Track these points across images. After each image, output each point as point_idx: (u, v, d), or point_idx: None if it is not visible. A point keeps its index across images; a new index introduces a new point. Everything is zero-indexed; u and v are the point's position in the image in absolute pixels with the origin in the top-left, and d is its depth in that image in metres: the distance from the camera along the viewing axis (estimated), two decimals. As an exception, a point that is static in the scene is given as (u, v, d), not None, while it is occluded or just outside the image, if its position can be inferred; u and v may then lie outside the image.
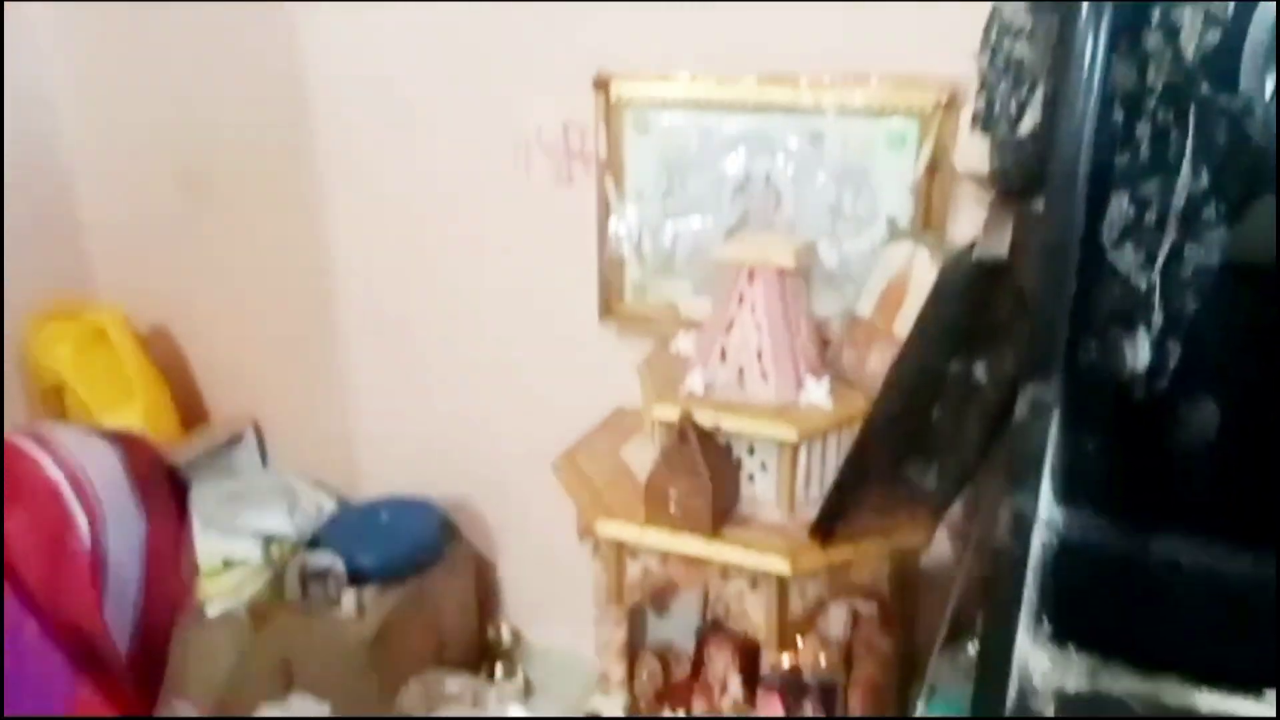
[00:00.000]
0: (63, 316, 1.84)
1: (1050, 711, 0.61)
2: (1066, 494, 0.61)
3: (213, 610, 1.68)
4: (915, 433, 1.28)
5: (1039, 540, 0.60)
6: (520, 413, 1.76)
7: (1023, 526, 0.57)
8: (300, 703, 1.67)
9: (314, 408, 1.94)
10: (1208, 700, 0.58)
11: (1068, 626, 0.61)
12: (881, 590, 1.32)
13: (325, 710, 1.67)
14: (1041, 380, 0.59)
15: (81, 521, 0.84)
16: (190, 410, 1.99)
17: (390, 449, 1.92)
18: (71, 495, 0.85)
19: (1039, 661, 0.62)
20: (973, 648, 1.42)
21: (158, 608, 0.91)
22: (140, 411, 1.81)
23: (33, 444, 0.87)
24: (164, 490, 0.94)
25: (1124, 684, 0.60)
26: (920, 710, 1.41)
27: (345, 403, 1.92)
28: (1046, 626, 0.62)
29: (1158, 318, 0.62)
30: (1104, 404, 0.62)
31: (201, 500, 1.77)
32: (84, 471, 0.86)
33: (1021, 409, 0.58)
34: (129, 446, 0.93)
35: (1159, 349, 0.62)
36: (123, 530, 0.88)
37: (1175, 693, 0.60)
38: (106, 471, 0.89)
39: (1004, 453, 0.85)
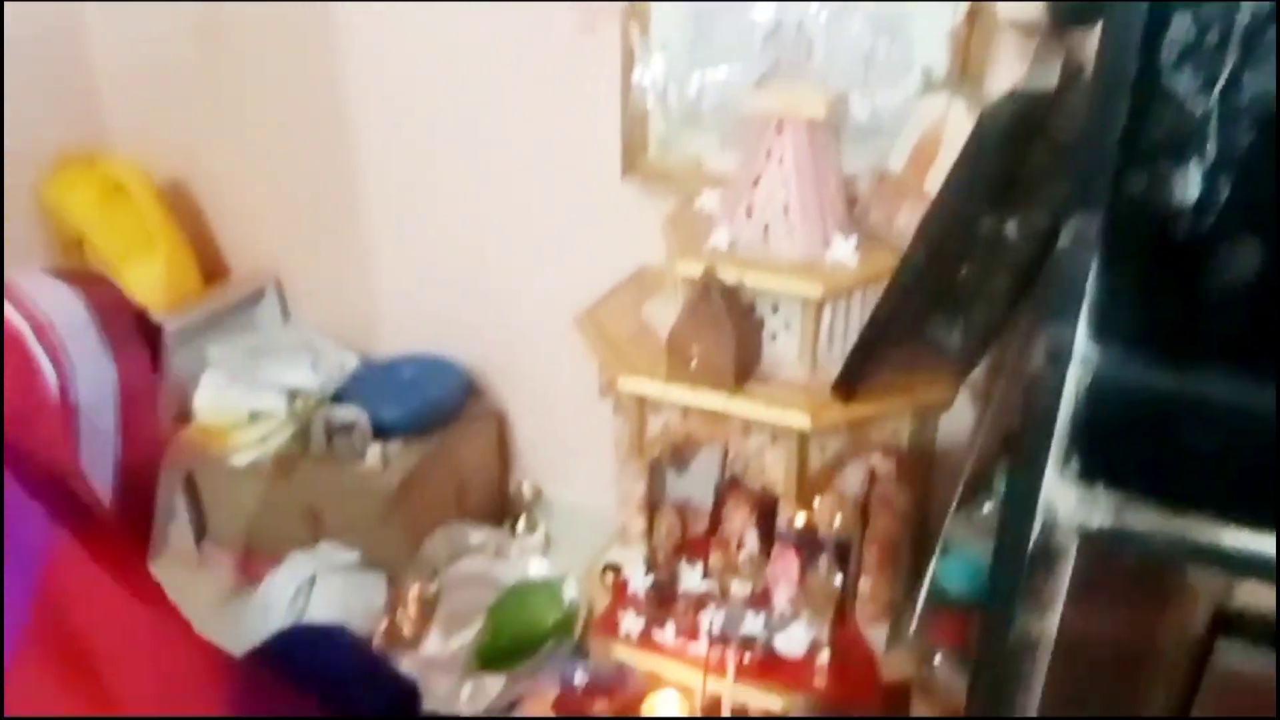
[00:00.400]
0: (79, 168, 1.82)
1: (1073, 548, 0.61)
2: (1101, 331, 0.59)
3: (240, 460, 1.72)
4: (942, 290, 1.27)
5: (1072, 376, 0.59)
6: (542, 271, 1.75)
7: (1059, 356, 0.56)
8: (328, 550, 1.72)
9: (335, 265, 1.94)
10: (1233, 537, 0.58)
11: (1096, 464, 0.61)
12: (901, 448, 1.33)
13: (354, 558, 1.73)
14: (1087, 211, 0.57)
15: (48, 370, 0.81)
16: (211, 266, 1.99)
17: (411, 307, 1.92)
18: (35, 343, 0.81)
19: (1065, 499, 0.62)
20: (989, 506, 1.44)
21: (138, 456, 0.88)
22: (161, 265, 1.81)
23: None
24: (134, 335, 0.89)
25: (1149, 521, 0.60)
26: (934, 566, 1.44)
27: (366, 260, 1.91)
28: (1075, 464, 0.61)
29: (1210, 149, 0.59)
30: (1146, 239, 0.60)
31: (225, 354, 1.80)
32: (47, 318, 0.83)
33: (1064, 240, 0.56)
34: (93, 290, 0.88)
35: (1209, 182, 0.59)
36: (92, 377, 0.84)
37: (1201, 530, 0.59)
38: (71, 317, 0.85)
39: (1041, 289, 0.83)
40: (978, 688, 0.75)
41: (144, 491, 0.90)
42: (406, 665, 1.54)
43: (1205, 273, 0.60)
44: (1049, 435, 0.57)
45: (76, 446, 0.83)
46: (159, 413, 0.90)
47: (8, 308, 0.81)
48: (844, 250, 1.26)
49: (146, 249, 1.80)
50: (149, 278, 1.81)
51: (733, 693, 1.35)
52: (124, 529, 0.86)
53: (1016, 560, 0.64)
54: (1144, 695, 0.62)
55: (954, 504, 1.44)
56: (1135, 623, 0.61)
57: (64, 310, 0.84)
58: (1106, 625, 0.62)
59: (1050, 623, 0.64)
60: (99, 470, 0.85)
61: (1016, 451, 0.61)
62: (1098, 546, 0.60)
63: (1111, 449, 0.60)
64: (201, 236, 1.99)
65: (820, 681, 1.44)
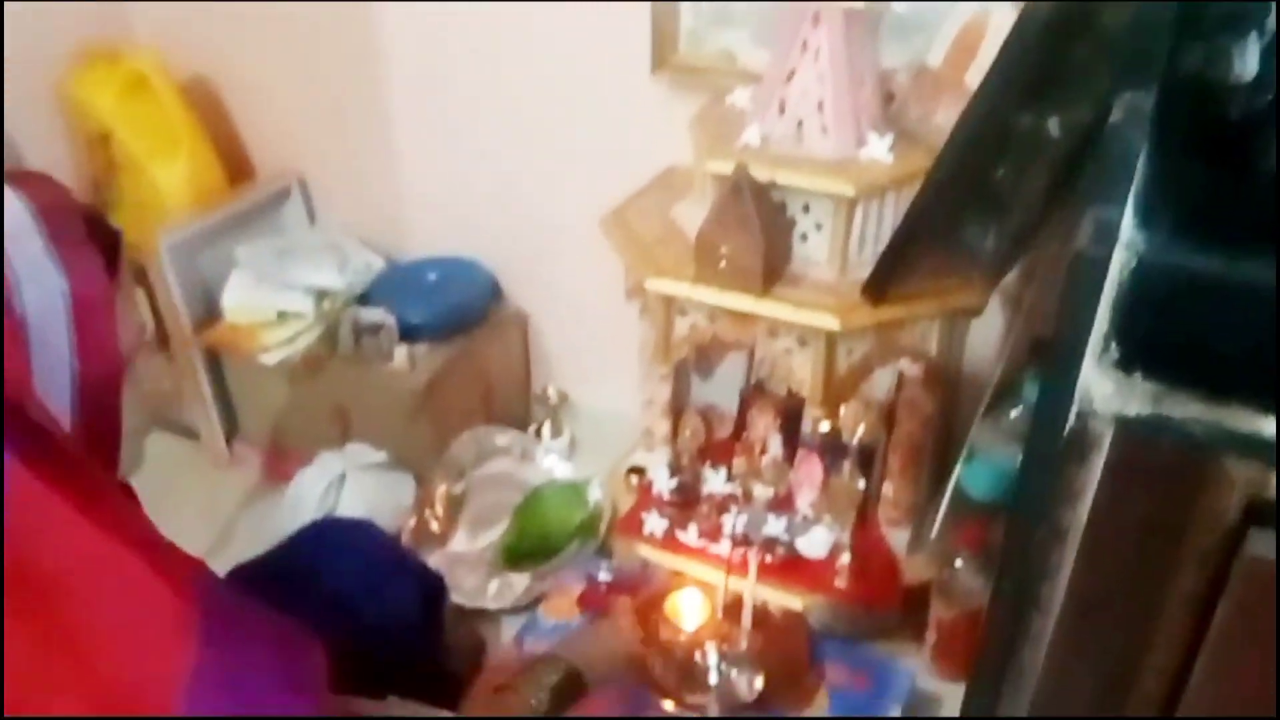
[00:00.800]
0: (102, 62, 1.79)
1: (1108, 435, 0.60)
2: (1148, 215, 0.57)
3: (269, 360, 1.73)
4: (977, 191, 1.24)
5: (1116, 262, 0.58)
6: (568, 172, 1.72)
7: (1107, 233, 0.54)
8: (357, 450, 1.75)
9: (360, 166, 1.92)
10: (1272, 426, 0.57)
11: (1136, 352, 0.59)
12: (929, 353, 1.31)
13: (382, 458, 1.75)
14: (1140, 87, 0.54)
15: None
16: (235, 167, 1.98)
17: (437, 209, 1.90)
18: None
19: (1102, 387, 0.61)
20: (1015, 412, 1.43)
21: (96, 372, 0.81)
22: (185, 163, 1.80)
23: None
24: (85, 241, 0.82)
25: (1188, 409, 0.59)
26: (958, 471, 1.44)
27: (391, 162, 1.89)
28: (1114, 352, 0.60)
29: (1271, 24, 0.57)
30: (1198, 118, 0.58)
31: (252, 255, 1.80)
32: None
33: (1116, 115, 0.54)
34: (37, 192, 0.81)
35: (1266, 59, 0.57)
36: (40, 287, 0.77)
37: (1239, 418, 0.58)
38: (13, 222, 0.78)
39: (1085, 178, 0.81)
40: (1003, 579, 0.75)
41: (106, 410, 0.84)
42: (434, 561, 1.57)
43: (1258, 153, 0.58)
44: (1092, 316, 0.56)
45: (28, 364, 0.77)
46: (117, 324, 0.83)
47: None
48: (879, 148, 1.24)
49: (170, 146, 1.79)
50: (173, 176, 1.80)
51: (754, 592, 1.36)
52: (86, 451, 0.81)
53: (1050, 449, 0.63)
54: (1171, 585, 0.62)
55: (981, 409, 1.44)
56: (1166, 513, 0.61)
57: (5, 214, 0.78)
58: (1137, 515, 0.61)
59: (1079, 514, 0.64)
60: (55, 389, 0.79)
61: (1057, 335, 0.60)
62: (1134, 435, 0.60)
63: (1152, 336, 0.59)
64: (226, 135, 1.97)
65: (841, 583, 1.46)
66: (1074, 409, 0.62)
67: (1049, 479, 0.63)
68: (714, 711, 1.29)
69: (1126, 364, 0.60)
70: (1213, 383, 0.59)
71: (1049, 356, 0.61)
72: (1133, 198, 0.58)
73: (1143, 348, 0.60)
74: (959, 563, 1.42)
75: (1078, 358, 0.57)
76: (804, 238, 1.28)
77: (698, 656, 1.34)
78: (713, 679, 1.32)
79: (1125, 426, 0.60)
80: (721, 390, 1.74)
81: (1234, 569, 0.59)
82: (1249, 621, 0.59)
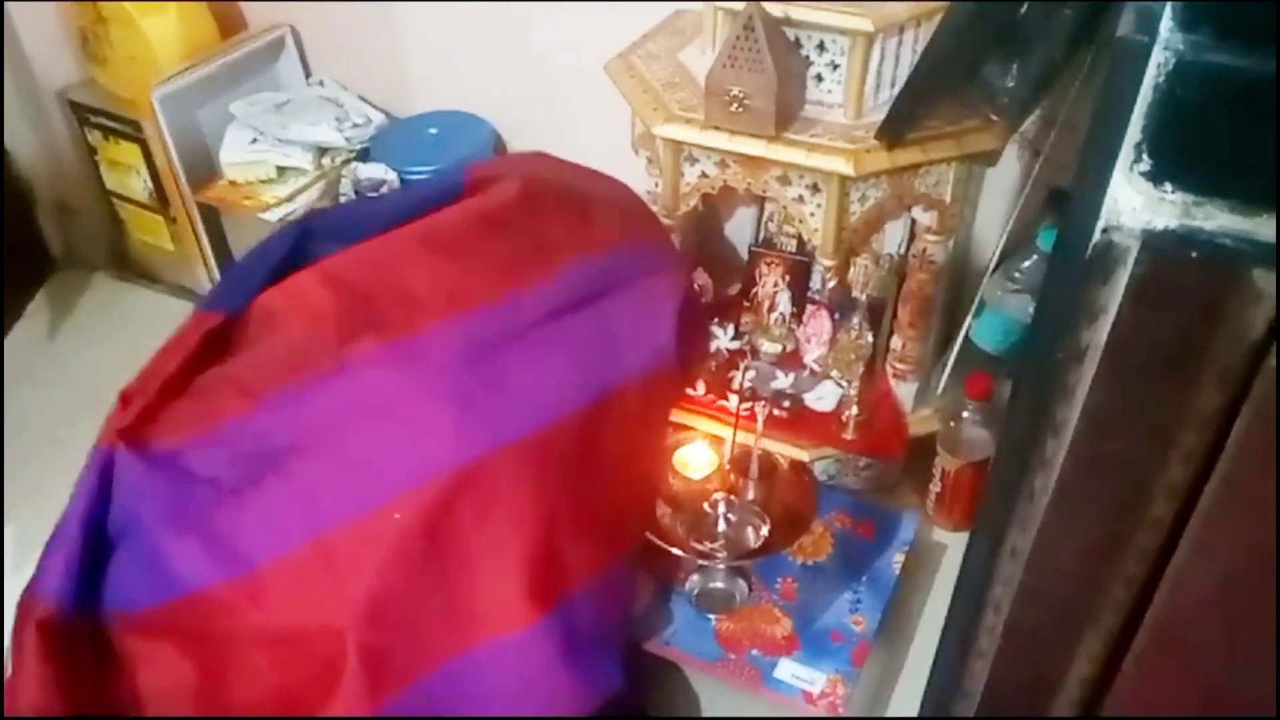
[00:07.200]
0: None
1: (1134, 251, 0.59)
2: (1189, 14, 0.54)
3: (271, 216, 1.70)
4: (998, 29, 1.19)
5: (1153, 64, 0.55)
6: (572, 18, 1.65)
7: (1149, 21, 0.52)
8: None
9: (355, 16, 1.85)
10: (1305, 237, 0.55)
11: (1168, 161, 0.57)
12: (943, 200, 1.29)
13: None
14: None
15: None
16: (226, 20, 1.91)
17: (437, 62, 1.84)
18: None
19: (1130, 200, 0.59)
20: (1029, 263, 1.41)
21: None
22: (175, 13, 1.74)
23: None
24: None
25: (1218, 221, 0.58)
26: (968, 323, 1.43)
27: (388, 13, 1.81)
28: (1145, 162, 0.58)
29: None
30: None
31: (249, 110, 1.75)
32: None
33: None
34: None
35: None
36: None
37: (1271, 229, 0.57)
38: None
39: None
40: (1018, 401, 0.75)
41: None
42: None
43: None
44: (1130, 109, 0.53)
45: None
46: None
47: None
48: (898, -18, 1.18)
49: (159, -2, 1.73)
50: (164, 28, 1.74)
51: (761, 444, 1.37)
52: None
53: (1074, 266, 0.62)
54: (1190, 403, 0.62)
55: (993, 260, 1.42)
56: (1190, 329, 0.59)
57: None
58: (1160, 332, 0.60)
59: (1100, 333, 0.63)
60: None
61: (1087, 142, 0.57)
62: (1161, 249, 0.58)
63: (1186, 143, 0.57)
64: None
65: (848, 435, 1.47)
66: (1099, 225, 0.60)
67: (1071, 297, 0.62)
68: (723, 557, 1.31)
69: (1156, 175, 0.58)
70: (1245, 192, 0.57)
71: (1079, 167, 0.59)
72: (1171, 3, 0.55)
73: (1175, 156, 0.57)
74: (965, 414, 1.43)
75: (1110, 162, 0.55)
76: (819, 79, 1.24)
77: (706, 506, 1.36)
78: (720, 526, 1.34)
79: (1153, 240, 0.58)
80: (730, 248, 1.72)
81: (1255, 382, 0.58)
82: (1265, 436, 0.59)
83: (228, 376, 1.11)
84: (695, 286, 1.43)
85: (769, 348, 1.56)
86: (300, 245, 1.23)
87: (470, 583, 1.02)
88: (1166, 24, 0.55)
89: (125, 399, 1.11)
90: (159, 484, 1.04)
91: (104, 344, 1.83)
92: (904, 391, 1.50)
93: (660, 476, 1.36)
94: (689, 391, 1.52)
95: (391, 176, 1.69)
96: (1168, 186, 0.58)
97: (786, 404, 1.49)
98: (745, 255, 1.66)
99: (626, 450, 1.19)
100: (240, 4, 1.94)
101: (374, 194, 1.67)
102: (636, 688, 1.19)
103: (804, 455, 1.45)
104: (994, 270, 1.43)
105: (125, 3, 1.71)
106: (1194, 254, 0.58)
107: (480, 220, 1.21)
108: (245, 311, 1.17)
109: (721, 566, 1.33)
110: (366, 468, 1.03)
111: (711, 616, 1.32)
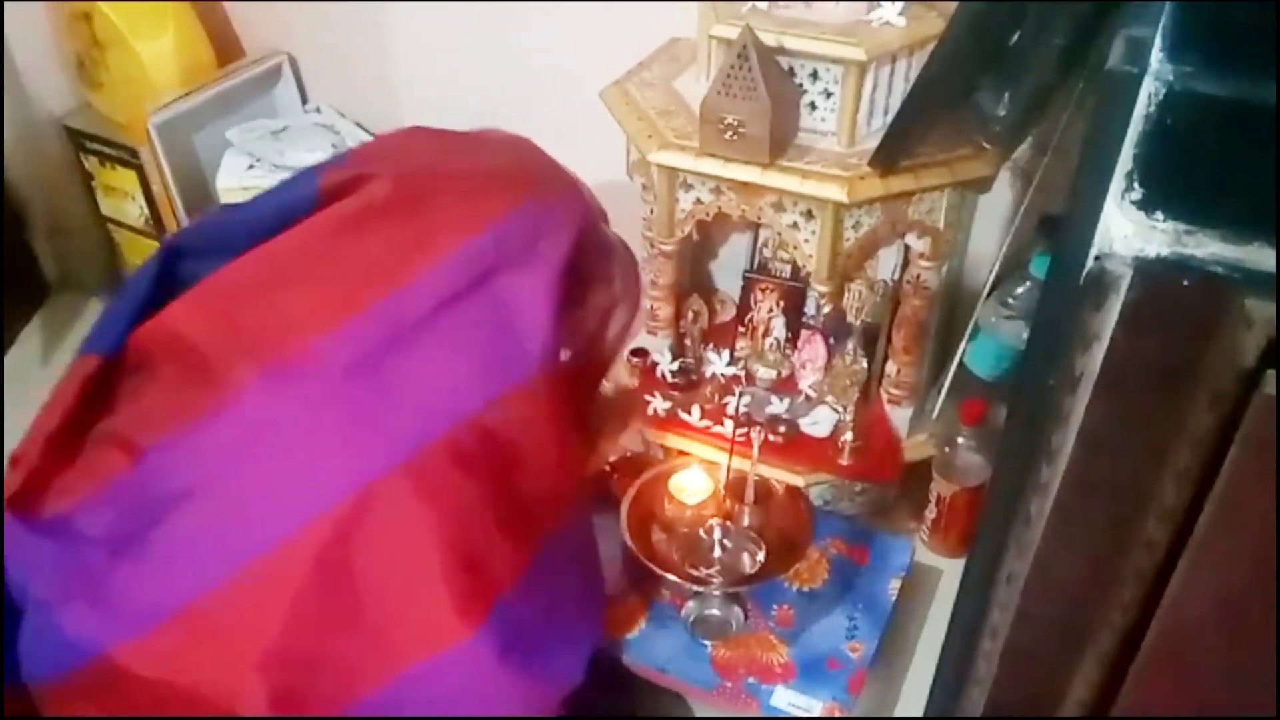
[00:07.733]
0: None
1: (1127, 278, 0.59)
2: (1178, 44, 0.55)
3: (267, 243, 1.71)
4: (990, 58, 1.20)
5: (1144, 94, 0.56)
6: (567, 44, 1.67)
7: (1140, 51, 0.52)
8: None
9: (351, 44, 1.86)
10: (1296, 265, 0.56)
11: (1159, 190, 0.58)
12: (936, 226, 1.30)
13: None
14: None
15: None
16: (223, 47, 1.92)
17: (433, 89, 1.85)
18: None
19: (1122, 228, 0.60)
20: (1022, 289, 1.42)
21: None
22: (172, 39, 1.75)
23: None
24: None
25: (1210, 249, 0.58)
26: (962, 349, 1.44)
27: (382, 40, 1.83)
28: (1136, 191, 0.59)
29: None
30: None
31: (245, 136, 1.76)
32: None
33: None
34: None
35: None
36: None
37: (1262, 257, 0.57)
38: None
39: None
40: (1013, 428, 0.75)
41: None
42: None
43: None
44: (1121, 138, 0.54)
45: None
46: None
47: None
48: (891, 11, 1.20)
49: (157, 21, 1.73)
50: (160, 53, 1.75)
51: (757, 470, 1.37)
52: None
53: (1067, 293, 0.62)
54: (1184, 427, 0.62)
55: (986, 286, 1.43)
56: (1182, 354, 0.60)
57: None
58: (1153, 357, 0.61)
59: (1094, 360, 0.63)
60: None
61: (1080, 170, 0.58)
62: (1153, 276, 0.59)
63: (1176, 172, 0.58)
64: (213, 14, 1.90)
65: (843, 460, 1.47)
66: (1092, 253, 0.61)
67: (1065, 323, 0.62)
68: (718, 583, 1.31)
69: (1148, 203, 0.59)
70: (1236, 220, 0.58)
71: (1072, 195, 0.60)
72: (1161, 28, 0.56)
73: (1166, 185, 0.58)
74: (960, 440, 1.43)
75: (1102, 190, 0.56)
76: (812, 107, 1.25)
77: (701, 532, 1.36)
78: (716, 552, 1.34)
79: (1145, 267, 0.59)
80: (724, 276, 1.73)
81: (1248, 409, 0.59)
82: (1261, 460, 0.59)
83: (110, 432, 1.05)
84: (600, 225, 1.27)
85: (764, 373, 1.55)
86: (173, 267, 1.15)
87: (391, 607, 0.97)
88: (1156, 54, 0.56)
89: (14, 462, 1.05)
90: (48, 552, 0.99)
91: (98, 369, 1.82)
92: (899, 417, 1.51)
93: (584, 442, 1.29)
94: (684, 418, 1.53)
95: (388, 202, 1.69)
96: (1159, 215, 0.59)
97: (782, 429, 1.49)
98: (740, 281, 1.67)
99: (541, 431, 1.11)
100: (238, 31, 1.96)
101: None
102: (628, 702, 1.17)
103: (799, 481, 1.46)
104: (988, 296, 1.44)
105: (122, 28, 1.72)
106: (1185, 281, 0.58)
107: (347, 225, 1.11)
108: (121, 351, 1.10)
109: (717, 593, 1.33)
110: (259, 505, 0.98)
111: (707, 643, 1.31)
